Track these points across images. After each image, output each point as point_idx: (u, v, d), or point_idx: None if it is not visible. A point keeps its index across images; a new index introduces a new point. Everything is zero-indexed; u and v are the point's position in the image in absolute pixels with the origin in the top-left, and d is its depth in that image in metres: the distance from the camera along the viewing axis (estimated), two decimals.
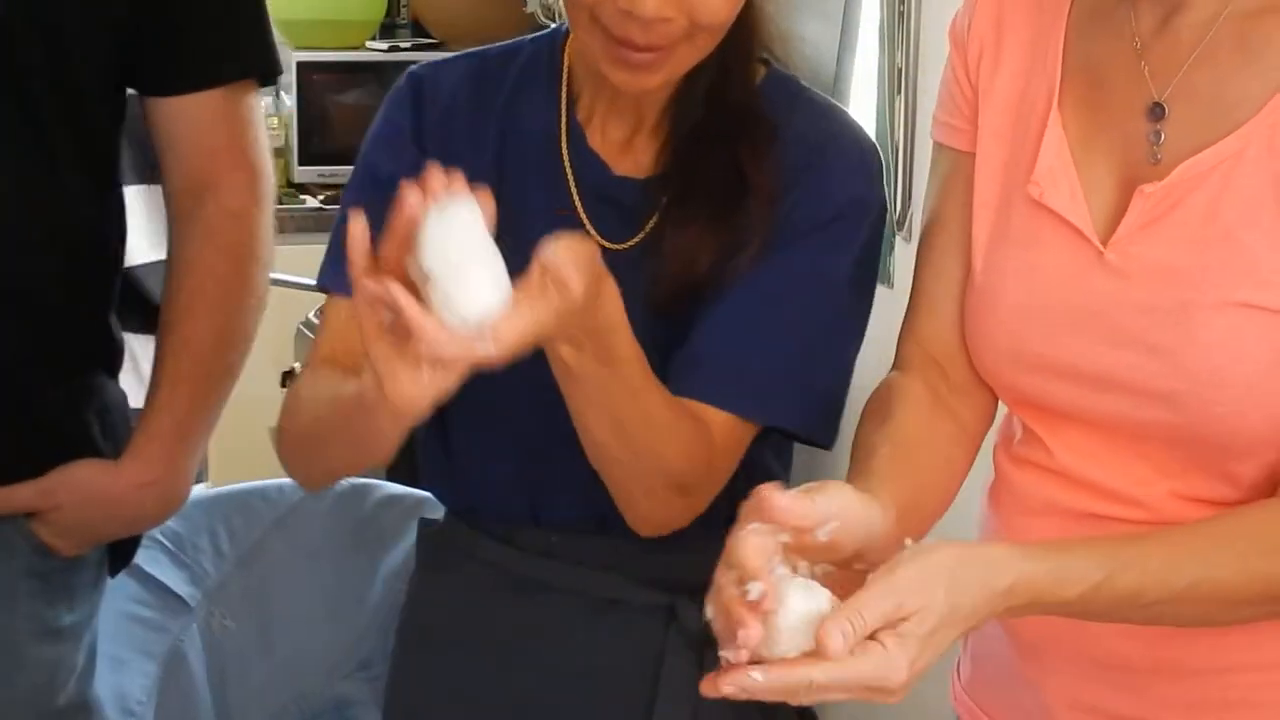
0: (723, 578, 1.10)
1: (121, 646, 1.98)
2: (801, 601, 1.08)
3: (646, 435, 1.33)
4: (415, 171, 1.46)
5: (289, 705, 2.12)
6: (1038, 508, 1.36)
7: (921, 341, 1.41)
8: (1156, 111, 1.28)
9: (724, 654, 1.08)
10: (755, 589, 1.07)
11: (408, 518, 2.07)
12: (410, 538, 2.03)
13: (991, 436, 1.47)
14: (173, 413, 1.70)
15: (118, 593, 1.94)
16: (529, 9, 3.77)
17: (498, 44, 1.55)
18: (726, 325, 1.41)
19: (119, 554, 1.81)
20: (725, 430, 1.40)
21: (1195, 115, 1.27)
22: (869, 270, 1.47)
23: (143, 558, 1.99)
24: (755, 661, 1.07)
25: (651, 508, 1.40)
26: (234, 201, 1.70)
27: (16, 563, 1.69)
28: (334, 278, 1.48)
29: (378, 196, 1.47)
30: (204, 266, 1.70)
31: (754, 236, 1.40)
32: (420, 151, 1.47)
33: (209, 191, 1.69)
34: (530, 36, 1.54)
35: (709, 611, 1.10)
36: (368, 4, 4.24)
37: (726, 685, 1.07)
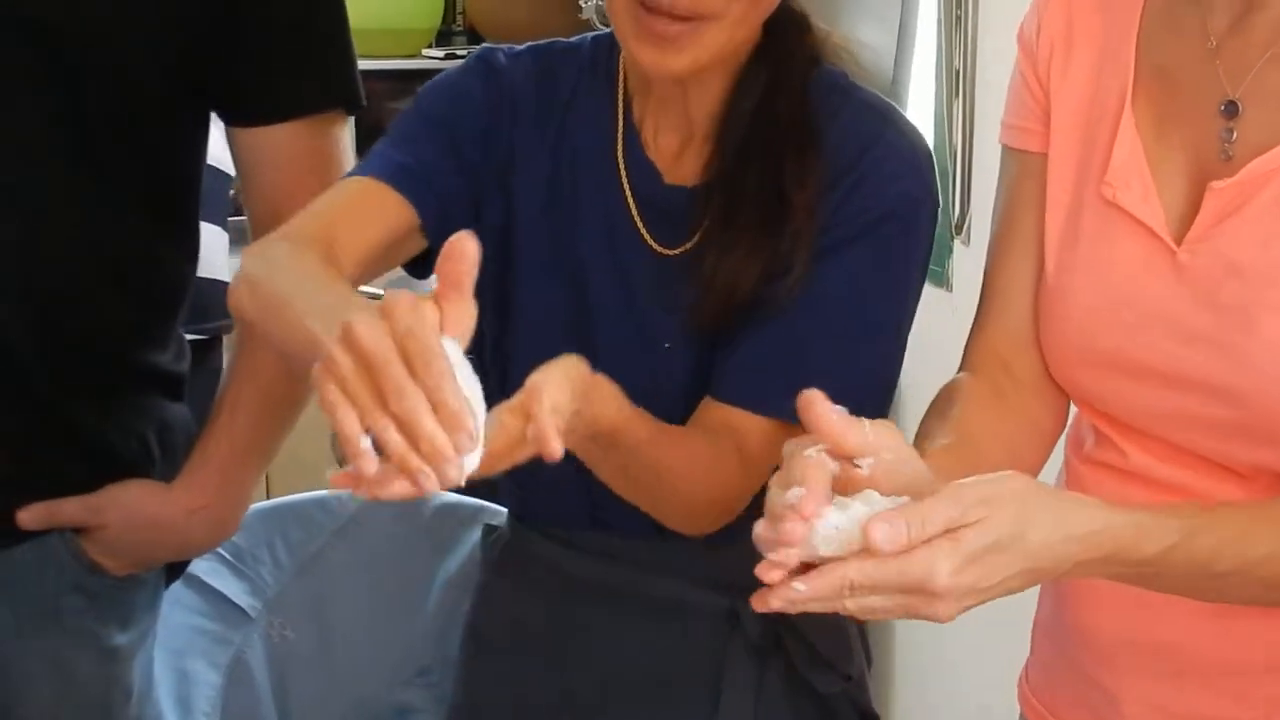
0: (772, 490, 1.05)
1: (185, 658, 1.99)
2: (856, 504, 1.02)
3: (662, 484, 1.35)
4: (480, 133, 1.47)
5: (350, 713, 2.12)
6: None
7: (990, 340, 1.40)
8: (1230, 109, 1.27)
9: (772, 557, 1.01)
10: (794, 493, 1.01)
11: (465, 526, 2.08)
12: (468, 545, 2.05)
13: (1060, 441, 1.46)
14: (230, 439, 1.67)
15: (180, 605, 1.95)
16: (584, 15, 3.77)
17: (562, 40, 1.55)
18: (774, 335, 1.41)
19: (173, 565, 1.79)
20: (764, 434, 1.39)
21: (1268, 113, 1.26)
22: (920, 270, 1.45)
23: (203, 570, 2.00)
24: (810, 567, 1.01)
25: (684, 524, 1.42)
26: None
27: (62, 577, 1.66)
28: (380, 166, 1.46)
29: (439, 137, 1.49)
30: None
31: (796, 259, 1.39)
32: (488, 125, 1.49)
33: None
34: (593, 35, 1.54)
35: (757, 528, 1.03)
36: (424, 12, 4.25)
37: (775, 600, 1.01)
